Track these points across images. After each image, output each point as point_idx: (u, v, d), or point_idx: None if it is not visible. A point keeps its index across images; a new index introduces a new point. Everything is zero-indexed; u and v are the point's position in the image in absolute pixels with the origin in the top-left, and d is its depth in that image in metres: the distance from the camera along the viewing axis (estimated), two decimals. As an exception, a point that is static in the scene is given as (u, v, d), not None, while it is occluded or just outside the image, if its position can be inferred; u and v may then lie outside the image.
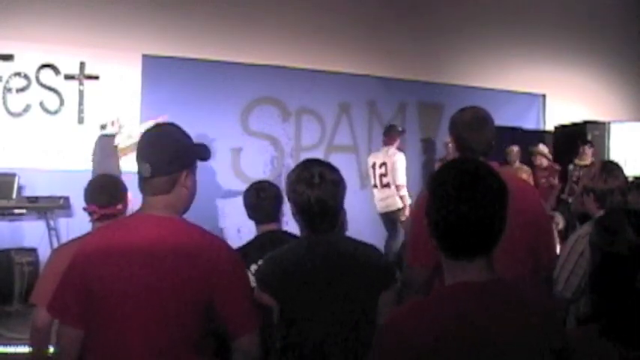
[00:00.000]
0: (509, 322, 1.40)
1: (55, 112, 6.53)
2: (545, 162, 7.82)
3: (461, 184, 1.42)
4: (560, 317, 1.56)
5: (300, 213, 2.10)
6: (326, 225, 2.09)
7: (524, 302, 1.47)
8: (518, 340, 1.39)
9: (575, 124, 8.48)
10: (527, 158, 7.80)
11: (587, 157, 7.56)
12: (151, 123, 3.47)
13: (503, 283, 1.47)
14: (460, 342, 1.35)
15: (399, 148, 6.80)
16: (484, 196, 1.41)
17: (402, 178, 6.61)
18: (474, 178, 1.43)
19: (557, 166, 7.81)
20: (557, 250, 2.91)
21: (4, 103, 6.36)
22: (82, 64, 6.60)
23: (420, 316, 1.41)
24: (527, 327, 1.41)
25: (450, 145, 2.83)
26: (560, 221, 5.18)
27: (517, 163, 7.57)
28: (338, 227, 2.18)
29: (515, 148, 7.67)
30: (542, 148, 7.95)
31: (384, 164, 6.72)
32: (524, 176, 6.80)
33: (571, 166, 7.67)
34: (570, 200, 7.30)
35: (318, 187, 2.06)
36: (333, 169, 2.14)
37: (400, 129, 6.97)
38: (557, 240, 4.90)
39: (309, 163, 2.14)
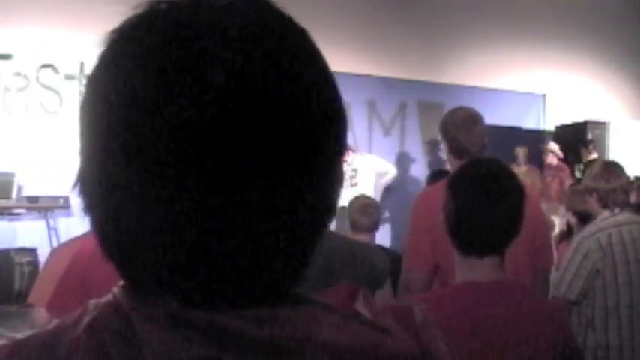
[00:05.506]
0: (512, 324, 1.40)
1: (55, 112, 6.51)
2: (555, 160, 7.76)
3: (481, 183, 1.46)
4: (567, 319, 1.56)
5: None
6: None
7: (531, 303, 1.47)
8: (523, 341, 1.39)
9: (575, 124, 8.47)
10: (530, 158, 7.75)
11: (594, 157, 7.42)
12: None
13: (511, 283, 1.48)
14: (461, 342, 1.34)
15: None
16: (502, 197, 1.45)
17: None
18: (494, 178, 1.47)
19: (565, 166, 7.74)
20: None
21: (4, 103, 6.35)
22: (82, 64, 6.58)
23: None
24: (533, 328, 1.41)
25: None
26: (556, 224, 5.12)
27: (526, 166, 7.44)
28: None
29: (523, 150, 7.56)
30: (554, 146, 7.89)
31: None
32: (529, 181, 6.60)
33: (578, 173, 7.50)
34: None
35: None
36: None
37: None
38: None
39: None
